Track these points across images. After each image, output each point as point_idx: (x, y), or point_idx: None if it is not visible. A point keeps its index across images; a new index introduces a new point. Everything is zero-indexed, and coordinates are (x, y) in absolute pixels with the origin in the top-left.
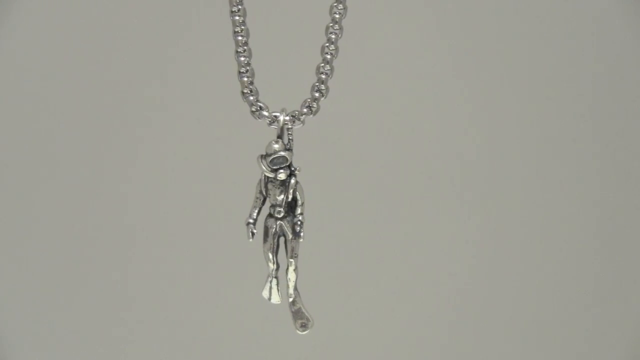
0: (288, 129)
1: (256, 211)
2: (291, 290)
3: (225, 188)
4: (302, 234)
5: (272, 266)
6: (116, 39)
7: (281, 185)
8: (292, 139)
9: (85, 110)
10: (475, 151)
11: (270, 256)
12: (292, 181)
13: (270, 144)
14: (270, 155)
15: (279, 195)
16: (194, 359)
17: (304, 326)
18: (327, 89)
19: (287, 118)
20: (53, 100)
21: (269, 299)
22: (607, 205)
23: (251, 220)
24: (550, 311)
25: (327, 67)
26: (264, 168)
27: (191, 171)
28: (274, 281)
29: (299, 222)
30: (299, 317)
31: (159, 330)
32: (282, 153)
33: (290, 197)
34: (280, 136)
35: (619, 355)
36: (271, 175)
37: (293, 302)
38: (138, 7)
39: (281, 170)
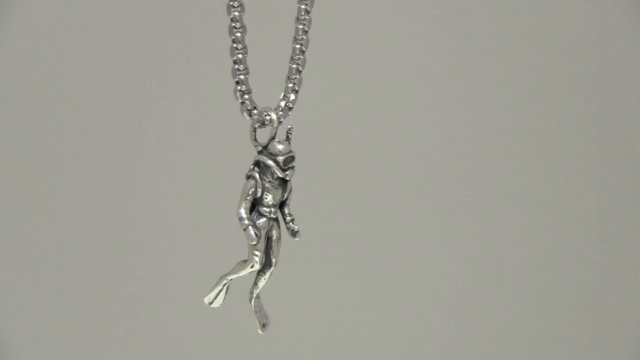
0: (289, 128)
1: (247, 211)
2: (259, 290)
3: (212, 185)
4: (299, 232)
5: (258, 267)
6: (110, 34)
7: (279, 186)
8: (291, 138)
9: (74, 108)
10: (472, 150)
11: (259, 257)
12: (290, 181)
13: (272, 144)
14: (277, 155)
15: (275, 195)
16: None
17: (265, 326)
18: (299, 90)
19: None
20: (45, 95)
21: (211, 303)
22: (607, 207)
23: (248, 222)
24: (549, 312)
25: (300, 67)
26: (274, 166)
27: (177, 167)
28: (227, 284)
29: (293, 221)
30: (261, 316)
31: (156, 330)
32: (292, 152)
33: (285, 196)
34: (273, 136)
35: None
36: (282, 175)
37: (257, 303)
38: (132, 3)
39: (288, 171)
